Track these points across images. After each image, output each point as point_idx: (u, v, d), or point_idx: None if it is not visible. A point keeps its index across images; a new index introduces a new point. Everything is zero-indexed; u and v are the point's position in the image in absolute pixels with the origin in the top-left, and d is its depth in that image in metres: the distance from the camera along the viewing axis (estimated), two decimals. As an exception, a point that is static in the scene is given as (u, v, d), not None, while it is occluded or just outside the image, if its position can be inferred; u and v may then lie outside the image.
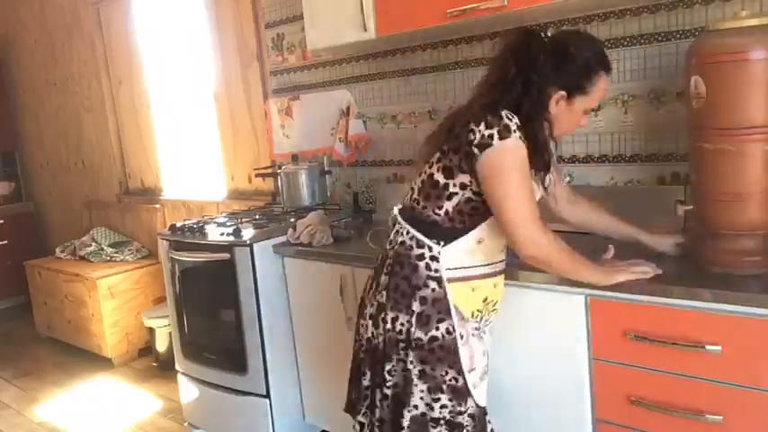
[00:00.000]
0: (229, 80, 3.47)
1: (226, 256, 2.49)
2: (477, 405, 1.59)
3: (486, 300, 1.60)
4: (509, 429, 1.90)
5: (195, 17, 3.58)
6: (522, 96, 1.49)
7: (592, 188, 2.16)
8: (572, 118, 1.58)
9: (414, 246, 1.56)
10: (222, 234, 2.56)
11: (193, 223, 2.78)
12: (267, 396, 2.52)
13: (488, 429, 1.64)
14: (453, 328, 1.53)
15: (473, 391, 1.56)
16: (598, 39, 1.65)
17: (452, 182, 1.51)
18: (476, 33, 2.41)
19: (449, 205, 1.53)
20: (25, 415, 3.30)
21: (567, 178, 2.10)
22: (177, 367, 2.90)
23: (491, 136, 1.43)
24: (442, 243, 1.53)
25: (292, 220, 2.62)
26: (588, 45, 1.55)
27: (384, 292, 1.57)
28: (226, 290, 2.53)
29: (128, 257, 4.07)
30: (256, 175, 3.26)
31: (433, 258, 1.53)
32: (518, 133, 1.44)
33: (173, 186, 4.16)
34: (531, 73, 1.49)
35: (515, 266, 1.70)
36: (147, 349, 3.86)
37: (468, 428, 1.57)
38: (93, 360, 3.89)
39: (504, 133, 1.43)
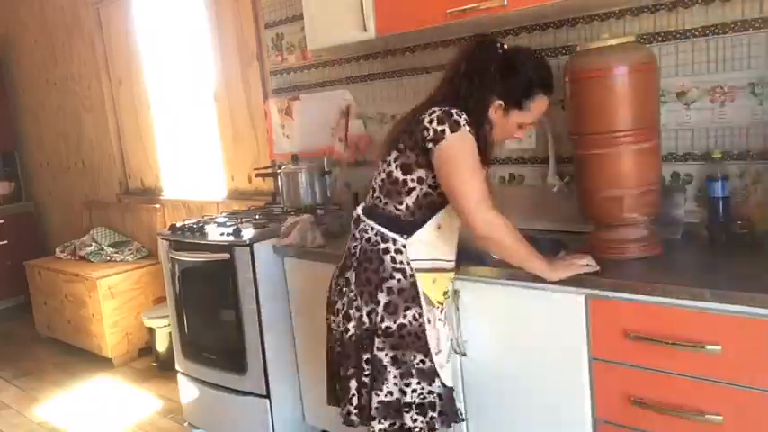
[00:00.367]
0: (229, 80, 3.47)
1: (226, 256, 2.49)
2: (445, 385, 1.68)
3: (445, 293, 1.74)
4: (509, 429, 1.91)
5: (195, 17, 3.58)
6: (467, 98, 1.62)
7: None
8: (507, 128, 1.71)
9: (379, 240, 1.66)
10: (222, 234, 2.56)
11: (193, 223, 2.78)
12: (267, 396, 2.52)
13: (456, 409, 1.74)
14: (420, 314, 1.64)
15: (440, 372, 1.66)
16: (546, 62, 1.77)
17: (410, 177, 1.63)
18: (476, 33, 2.40)
19: (408, 200, 1.65)
20: (25, 415, 3.30)
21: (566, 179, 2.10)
22: (177, 367, 2.90)
23: (443, 131, 1.56)
24: (405, 236, 1.65)
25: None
26: (535, 65, 1.69)
27: (353, 287, 1.67)
28: (226, 290, 2.53)
29: (128, 257, 4.07)
30: (256, 175, 3.26)
31: (398, 251, 1.65)
32: (467, 127, 1.58)
33: (173, 186, 4.16)
34: (476, 77, 1.63)
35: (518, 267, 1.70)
36: (147, 349, 3.86)
37: (438, 409, 1.66)
38: (93, 360, 3.89)
39: (455, 127, 1.56)
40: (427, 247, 1.67)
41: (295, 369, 2.59)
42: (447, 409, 1.68)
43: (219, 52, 3.48)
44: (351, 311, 1.68)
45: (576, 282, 1.66)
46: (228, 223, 2.74)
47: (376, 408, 1.65)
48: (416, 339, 1.64)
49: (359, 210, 1.77)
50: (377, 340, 1.64)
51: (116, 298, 3.82)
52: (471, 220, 1.56)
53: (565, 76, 1.79)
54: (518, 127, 1.72)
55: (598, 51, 1.73)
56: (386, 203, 1.68)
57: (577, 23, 2.13)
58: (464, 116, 1.58)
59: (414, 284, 1.64)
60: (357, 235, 1.73)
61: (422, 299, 1.65)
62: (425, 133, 1.58)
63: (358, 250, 1.70)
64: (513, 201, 2.30)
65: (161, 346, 3.63)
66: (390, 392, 1.65)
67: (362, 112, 2.87)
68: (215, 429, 2.81)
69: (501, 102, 1.66)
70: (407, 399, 1.64)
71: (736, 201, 1.84)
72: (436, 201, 1.65)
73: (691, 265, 1.74)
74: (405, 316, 1.63)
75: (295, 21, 2.98)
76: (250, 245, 2.45)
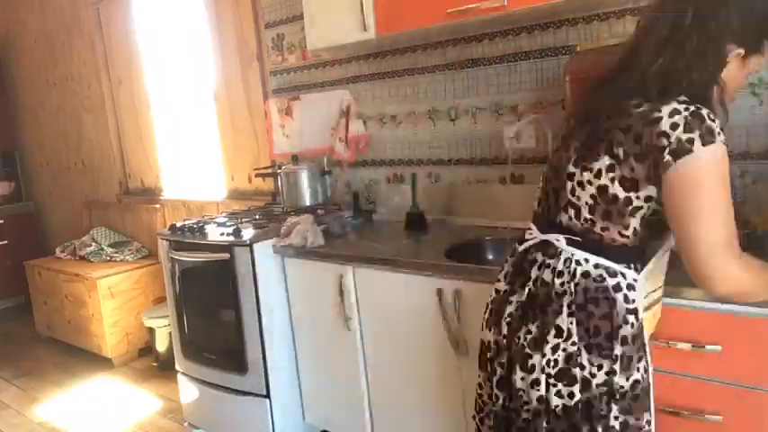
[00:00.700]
0: (229, 80, 3.47)
1: (226, 256, 2.49)
2: None
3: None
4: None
5: (195, 17, 3.58)
6: (698, 56, 1.19)
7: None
8: (737, 84, 1.30)
9: (605, 276, 1.26)
10: (222, 234, 2.56)
11: (193, 223, 2.78)
12: (267, 396, 2.52)
13: None
14: (648, 364, 1.30)
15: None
16: None
17: (635, 195, 1.22)
18: (476, 33, 2.41)
19: (635, 222, 1.25)
20: (25, 415, 3.30)
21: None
22: (177, 367, 2.90)
23: (691, 141, 1.14)
24: (638, 267, 1.30)
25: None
26: None
27: (576, 339, 1.25)
28: (226, 290, 2.53)
29: (128, 257, 4.07)
30: (256, 175, 3.26)
31: (630, 287, 1.27)
32: (722, 137, 1.15)
33: (173, 186, 4.16)
34: (711, 21, 1.19)
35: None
36: (147, 349, 3.86)
37: None
38: (93, 360, 3.89)
39: (708, 137, 1.14)
40: (653, 276, 1.33)
41: (295, 369, 2.59)
42: None
43: (219, 52, 3.48)
44: (571, 371, 1.25)
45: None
46: (228, 223, 2.74)
47: None
48: (646, 397, 1.29)
49: (562, 241, 1.31)
50: (607, 406, 1.25)
51: (116, 298, 3.82)
52: (701, 269, 1.18)
53: (565, 76, 1.79)
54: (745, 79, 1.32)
55: (598, 51, 1.72)
56: (604, 228, 1.26)
57: (577, 23, 2.13)
58: (717, 121, 1.16)
59: (641, 328, 1.28)
60: (555, 266, 1.29)
61: (647, 346, 1.30)
62: (663, 140, 1.15)
63: (572, 290, 1.26)
64: (513, 201, 2.30)
65: (161, 346, 3.63)
66: None
67: (362, 112, 2.87)
68: (215, 429, 2.81)
69: (741, 49, 1.22)
70: None
71: (736, 201, 1.84)
72: (662, 221, 1.24)
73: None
74: (638, 369, 1.27)
75: (295, 21, 2.98)
76: (250, 245, 2.45)
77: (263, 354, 2.49)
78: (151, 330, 3.65)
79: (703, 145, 1.13)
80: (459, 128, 2.55)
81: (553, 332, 1.27)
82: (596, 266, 1.27)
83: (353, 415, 2.38)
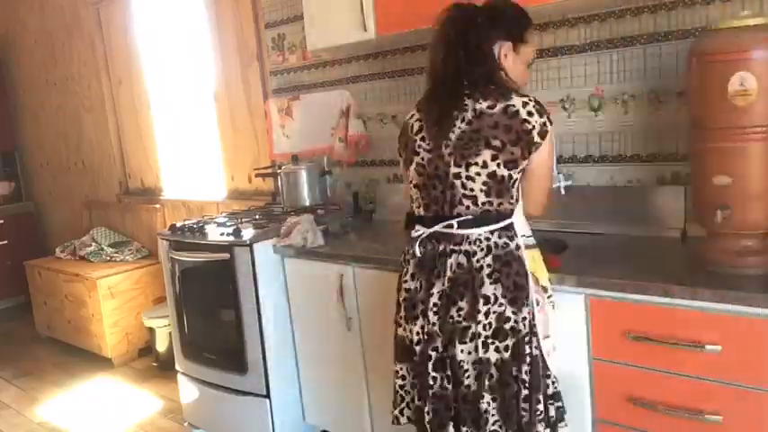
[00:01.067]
0: (229, 80, 3.47)
1: (226, 256, 2.49)
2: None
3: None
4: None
5: (195, 17, 3.58)
6: (477, 56, 1.52)
7: (592, 188, 2.17)
8: (521, 70, 1.63)
9: (508, 241, 1.53)
10: (222, 234, 2.56)
11: (193, 223, 2.78)
12: (267, 396, 2.52)
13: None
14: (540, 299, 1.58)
15: (547, 359, 1.56)
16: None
17: (516, 171, 1.52)
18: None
19: (515, 192, 1.55)
20: (25, 415, 3.30)
21: (570, 181, 2.08)
22: (177, 367, 2.90)
23: (545, 124, 1.51)
24: (513, 219, 1.57)
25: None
26: (509, 3, 1.64)
27: (502, 300, 1.50)
28: (226, 290, 2.53)
29: (128, 257, 4.07)
30: (256, 175, 3.26)
31: (520, 236, 1.56)
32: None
33: (173, 186, 4.16)
34: (472, 34, 1.53)
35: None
36: (147, 349, 3.86)
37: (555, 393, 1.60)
38: (93, 360, 3.89)
39: (549, 118, 1.53)
40: (523, 224, 1.60)
41: (295, 369, 2.59)
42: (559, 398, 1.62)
43: (219, 52, 3.48)
44: (504, 327, 1.50)
45: (575, 281, 1.66)
46: (228, 223, 2.74)
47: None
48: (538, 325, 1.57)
49: (467, 230, 1.53)
50: (529, 344, 1.52)
51: (116, 298, 3.82)
52: (544, 205, 1.62)
53: (691, 58, 1.57)
54: (527, 67, 1.66)
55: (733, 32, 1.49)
56: (500, 204, 1.53)
57: (577, 23, 2.13)
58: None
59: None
60: (473, 249, 1.52)
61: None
62: (527, 126, 1.48)
63: (488, 261, 1.51)
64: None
65: (161, 346, 3.63)
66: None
67: (362, 112, 2.87)
68: (215, 429, 2.81)
69: (509, 42, 1.57)
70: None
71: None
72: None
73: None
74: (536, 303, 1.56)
75: (295, 21, 2.98)
76: (250, 245, 2.45)
77: (263, 354, 2.49)
78: (151, 330, 3.65)
79: (550, 124, 1.52)
80: (459, 128, 2.54)
81: (482, 301, 1.50)
82: (499, 236, 1.53)
83: (353, 415, 2.38)
